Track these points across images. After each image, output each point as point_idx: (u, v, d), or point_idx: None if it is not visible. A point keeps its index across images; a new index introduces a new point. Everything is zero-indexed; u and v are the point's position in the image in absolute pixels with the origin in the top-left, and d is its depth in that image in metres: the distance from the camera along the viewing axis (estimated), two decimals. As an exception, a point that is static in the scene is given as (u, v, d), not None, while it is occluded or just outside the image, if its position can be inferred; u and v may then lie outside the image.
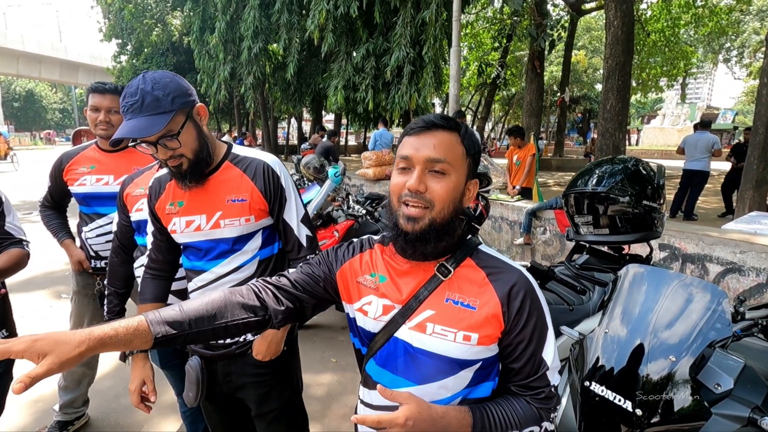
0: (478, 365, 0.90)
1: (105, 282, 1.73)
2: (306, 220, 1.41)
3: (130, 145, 1.27)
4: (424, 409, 0.81)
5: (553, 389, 0.90)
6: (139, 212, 1.65)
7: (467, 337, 0.87)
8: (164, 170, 1.38)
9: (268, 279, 1.01)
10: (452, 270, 0.91)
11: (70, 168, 2.06)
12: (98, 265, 2.13)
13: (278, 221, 1.37)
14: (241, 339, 1.36)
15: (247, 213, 1.31)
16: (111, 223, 2.05)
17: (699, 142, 7.29)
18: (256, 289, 0.97)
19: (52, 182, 2.12)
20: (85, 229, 2.11)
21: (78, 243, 2.19)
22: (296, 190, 1.40)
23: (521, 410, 0.88)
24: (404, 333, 0.92)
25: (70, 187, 2.07)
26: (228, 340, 1.34)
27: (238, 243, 1.33)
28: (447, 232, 0.89)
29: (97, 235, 2.09)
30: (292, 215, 1.36)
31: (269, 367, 1.35)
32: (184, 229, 1.33)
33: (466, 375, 0.90)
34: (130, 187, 1.68)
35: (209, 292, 1.02)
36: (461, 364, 0.89)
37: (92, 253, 2.12)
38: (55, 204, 2.21)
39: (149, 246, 1.47)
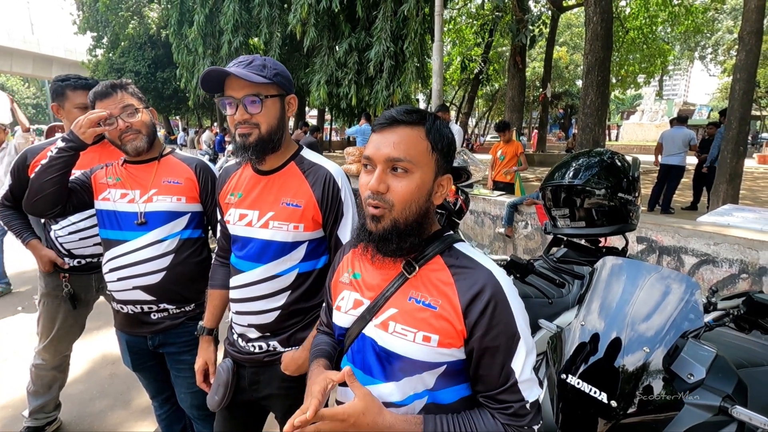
0: (442, 369, 0.86)
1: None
2: None
3: (216, 97, 1.27)
4: (373, 411, 0.80)
5: (527, 406, 0.83)
6: (106, 201, 1.59)
7: (427, 338, 0.84)
8: (232, 161, 1.39)
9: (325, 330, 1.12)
10: (417, 268, 0.90)
11: (35, 164, 1.95)
12: (72, 264, 2.05)
13: (331, 236, 1.29)
14: (271, 348, 1.32)
15: (297, 220, 1.24)
16: (85, 219, 1.97)
17: (676, 137, 7.41)
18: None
19: (14, 180, 2.00)
20: (55, 227, 2.01)
21: (45, 243, 2.09)
22: (356, 207, 1.30)
23: (483, 424, 0.82)
24: (371, 330, 0.92)
25: None
26: (257, 349, 1.32)
27: (280, 250, 1.26)
28: (411, 232, 0.87)
29: (70, 233, 1.99)
30: (347, 232, 1.27)
31: (297, 381, 1.30)
32: (236, 222, 1.31)
33: (428, 377, 0.87)
34: (100, 174, 1.63)
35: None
36: (422, 366, 0.85)
37: (64, 252, 2.03)
38: (16, 203, 2.08)
39: (218, 234, 1.48)
